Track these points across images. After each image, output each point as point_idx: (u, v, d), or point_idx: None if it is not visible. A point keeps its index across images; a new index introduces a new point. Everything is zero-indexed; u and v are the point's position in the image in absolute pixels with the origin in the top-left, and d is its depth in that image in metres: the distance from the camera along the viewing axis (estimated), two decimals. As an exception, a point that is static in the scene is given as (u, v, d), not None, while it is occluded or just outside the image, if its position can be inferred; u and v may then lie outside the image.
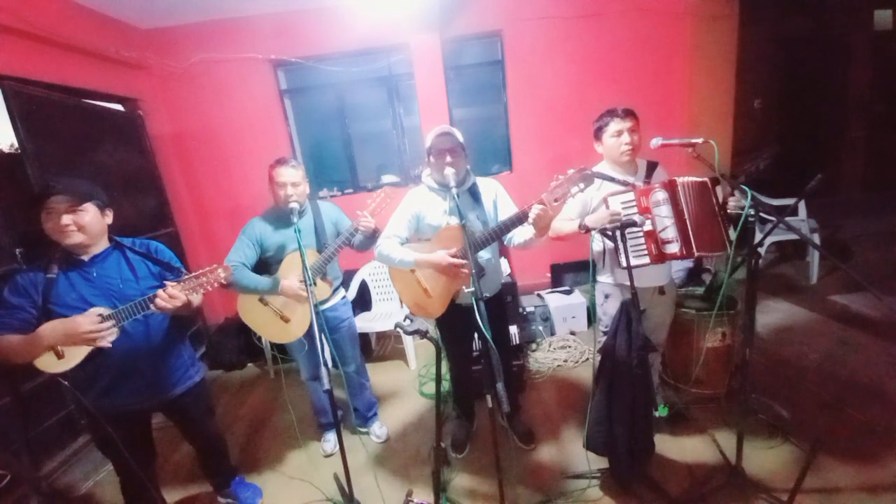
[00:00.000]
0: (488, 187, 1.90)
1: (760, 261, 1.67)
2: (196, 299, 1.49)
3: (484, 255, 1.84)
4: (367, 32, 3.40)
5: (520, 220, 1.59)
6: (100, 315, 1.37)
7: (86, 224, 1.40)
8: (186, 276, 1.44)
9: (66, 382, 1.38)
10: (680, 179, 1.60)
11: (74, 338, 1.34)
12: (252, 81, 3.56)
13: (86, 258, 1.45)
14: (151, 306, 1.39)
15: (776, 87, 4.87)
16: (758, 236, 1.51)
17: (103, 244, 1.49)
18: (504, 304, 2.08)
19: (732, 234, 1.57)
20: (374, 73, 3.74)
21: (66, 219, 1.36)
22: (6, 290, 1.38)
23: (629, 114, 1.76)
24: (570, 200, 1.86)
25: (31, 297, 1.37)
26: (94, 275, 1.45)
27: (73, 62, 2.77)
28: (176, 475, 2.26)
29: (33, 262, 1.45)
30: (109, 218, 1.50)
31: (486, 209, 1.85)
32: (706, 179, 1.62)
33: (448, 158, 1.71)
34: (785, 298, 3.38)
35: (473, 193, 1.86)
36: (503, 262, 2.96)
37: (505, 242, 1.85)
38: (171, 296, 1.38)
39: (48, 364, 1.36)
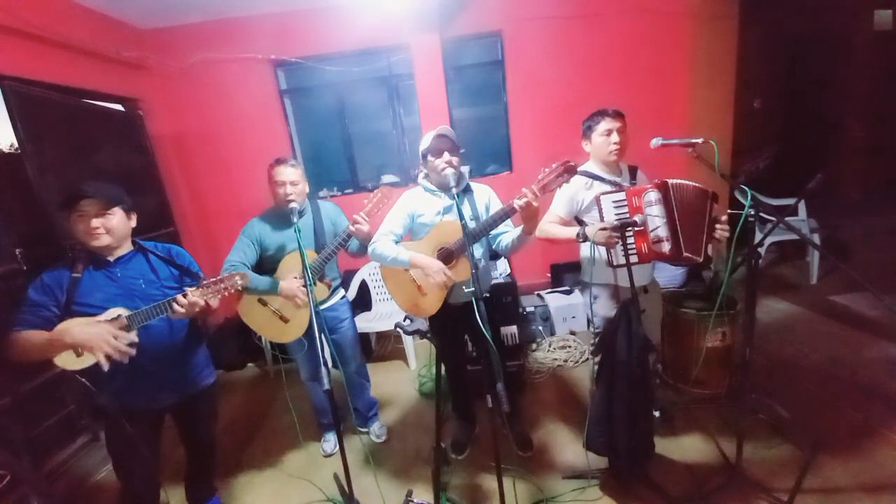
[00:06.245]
0: (481, 191, 1.92)
1: (760, 261, 1.67)
2: (214, 303, 1.51)
3: (475, 254, 1.84)
4: (367, 32, 3.40)
5: (507, 214, 1.61)
6: (118, 316, 1.39)
7: (113, 227, 1.45)
8: (206, 282, 1.47)
9: (84, 380, 1.39)
10: (671, 181, 1.62)
11: (85, 346, 1.32)
12: (252, 81, 3.57)
13: (111, 259, 1.49)
14: (168, 311, 1.42)
15: (776, 87, 4.88)
16: (758, 236, 1.51)
17: (127, 247, 1.54)
18: (495, 305, 2.07)
19: (710, 251, 1.62)
20: (374, 73, 3.74)
21: (96, 222, 1.41)
22: (31, 287, 1.41)
23: (619, 115, 1.80)
24: (557, 200, 1.88)
25: (55, 296, 1.40)
26: (119, 275, 1.49)
27: (73, 62, 2.77)
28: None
29: (58, 260, 1.47)
30: (133, 221, 1.55)
31: (479, 212, 1.87)
32: (707, 190, 1.63)
33: (447, 157, 1.74)
34: (785, 298, 3.38)
35: (468, 195, 1.89)
36: (503, 262, 2.96)
37: (494, 246, 1.89)
38: (192, 303, 1.41)
39: (67, 361, 1.37)
